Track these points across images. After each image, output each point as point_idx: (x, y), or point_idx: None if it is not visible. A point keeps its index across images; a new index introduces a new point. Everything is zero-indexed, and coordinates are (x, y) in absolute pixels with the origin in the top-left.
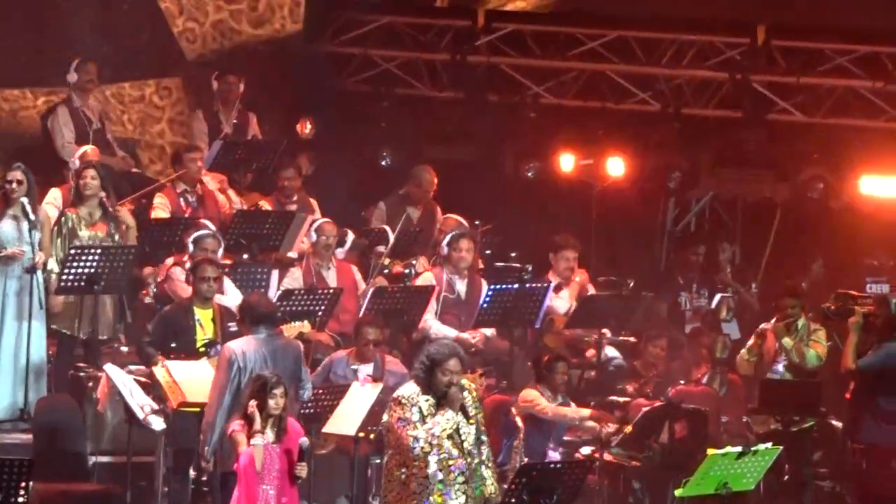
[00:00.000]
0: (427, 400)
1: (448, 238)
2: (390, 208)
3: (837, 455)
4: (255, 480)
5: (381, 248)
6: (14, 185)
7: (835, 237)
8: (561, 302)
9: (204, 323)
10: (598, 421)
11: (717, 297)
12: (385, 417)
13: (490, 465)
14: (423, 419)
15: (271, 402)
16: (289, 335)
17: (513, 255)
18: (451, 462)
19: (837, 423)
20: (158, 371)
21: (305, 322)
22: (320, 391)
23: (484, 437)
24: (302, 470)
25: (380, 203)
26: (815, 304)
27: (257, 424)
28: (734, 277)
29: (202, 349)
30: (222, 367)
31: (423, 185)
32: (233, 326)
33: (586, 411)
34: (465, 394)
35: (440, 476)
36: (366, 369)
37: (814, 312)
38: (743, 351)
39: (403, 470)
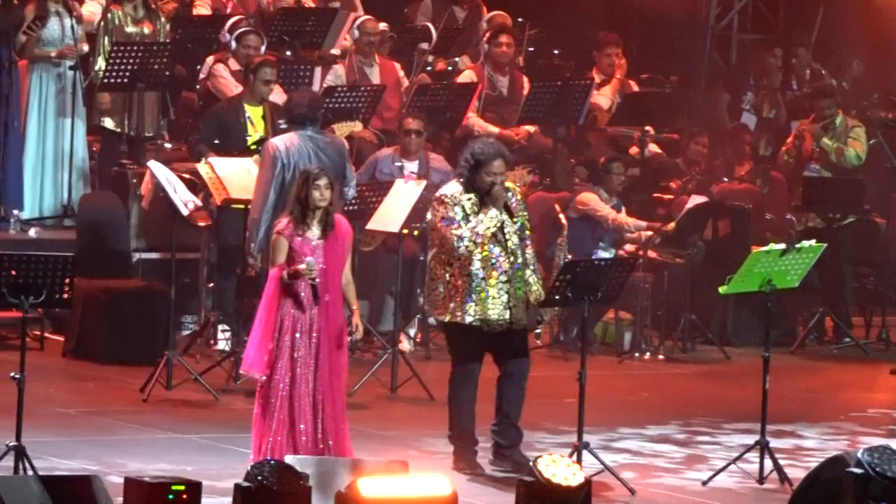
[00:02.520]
0: (470, 199)
1: (488, 34)
2: (435, 4)
3: (880, 253)
4: (275, 303)
5: (425, 45)
6: None
7: (877, 35)
8: (603, 99)
9: (255, 120)
10: (657, 232)
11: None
12: (429, 216)
13: (534, 266)
14: (466, 218)
15: (316, 194)
16: (340, 134)
17: (556, 52)
18: (494, 261)
19: (881, 221)
20: (202, 168)
21: (357, 121)
22: (364, 188)
23: (528, 239)
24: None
25: None
26: (856, 102)
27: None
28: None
29: (253, 146)
30: (266, 163)
31: None
32: (283, 123)
33: (644, 223)
34: (510, 194)
35: (482, 274)
36: (411, 166)
37: (856, 111)
38: (782, 150)
39: (448, 268)
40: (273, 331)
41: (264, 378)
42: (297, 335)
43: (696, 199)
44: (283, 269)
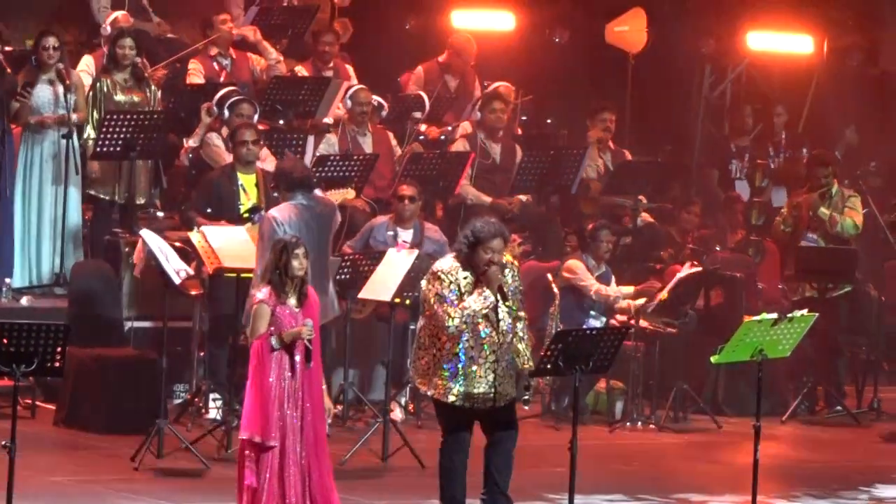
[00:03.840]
0: (466, 277)
1: (481, 101)
2: (427, 73)
3: (873, 322)
4: (266, 371)
5: (417, 115)
6: (50, 50)
7: (870, 104)
8: (591, 169)
9: (247, 188)
10: (644, 295)
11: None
12: (423, 285)
13: (525, 336)
14: (460, 296)
15: (295, 264)
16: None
17: (548, 121)
18: (483, 341)
19: (873, 292)
20: (194, 236)
21: (350, 189)
22: (358, 257)
23: (522, 314)
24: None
25: (418, 68)
26: (850, 171)
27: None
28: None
29: (246, 215)
30: (266, 234)
31: (463, 55)
32: (276, 192)
33: (629, 289)
34: (507, 271)
35: (471, 353)
36: (405, 234)
37: (848, 180)
38: (777, 219)
39: (436, 341)
40: (268, 399)
41: (273, 444)
42: (286, 406)
43: (688, 269)
44: (268, 337)
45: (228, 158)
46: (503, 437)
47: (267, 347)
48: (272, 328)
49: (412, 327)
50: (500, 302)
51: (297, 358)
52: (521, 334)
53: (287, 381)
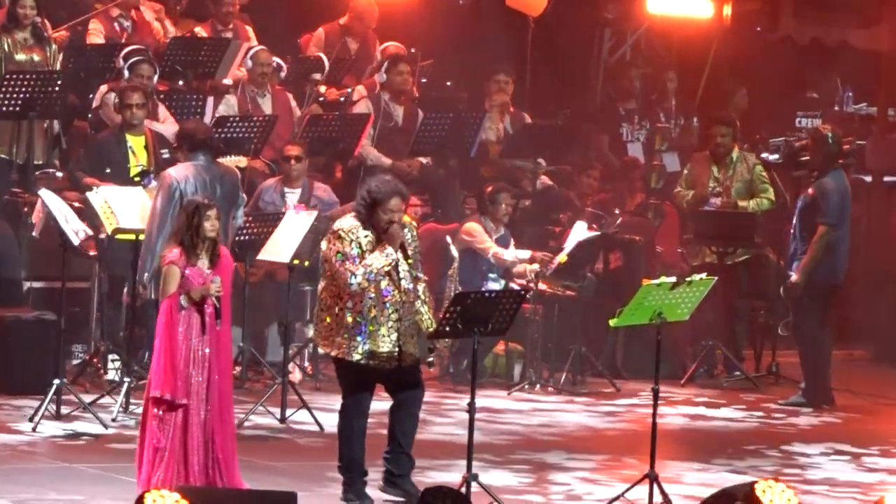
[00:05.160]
0: (367, 236)
1: (387, 63)
2: (327, 35)
3: (772, 287)
4: (175, 330)
5: (317, 76)
6: None
7: (767, 69)
8: (491, 132)
9: (136, 150)
10: (540, 263)
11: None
12: (323, 247)
13: (426, 299)
14: (362, 255)
15: (207, 225)
16: None
17: (448, 84)
18: (386, 299)
19: (773, 256)
20: (94, 197)
21: (241, 157)
22: (249, 219)
23: (421, 275)
24: None
25: (318, 29)
26: (746, 135)
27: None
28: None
29: (136, 178)
30: (163, 193)
31: (365, 18)
32: (165, 154)
33: (526, 253)
34: (406, 231)
35: (374, 312)
36: (292, 194)
37: (748, 144)
38: (679, 183)
39: (338, 301)
40: (177, 358)
41: (183, 401)
42: (191, 366)
43: (579, 228)
44: (178, 297)
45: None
46: (409, 398)
47: (176, 307)
48: (181, 289)
49: (305, 288)
50: (402, 259)
51: (206, 317)
52: (422, 296)
53: (195, 341)
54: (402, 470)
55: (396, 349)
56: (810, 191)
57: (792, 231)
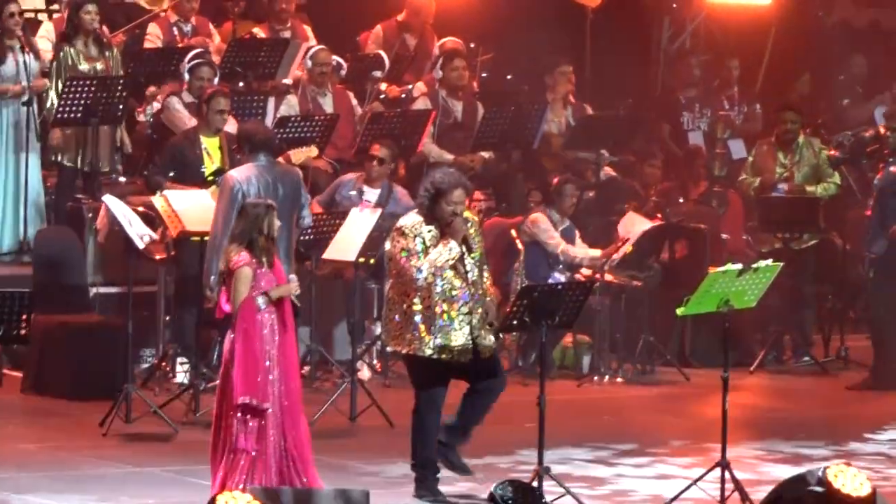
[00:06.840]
0: (430, 230)
1: (441, 59)
2: (386, 32)
3: (839, 272)
4: (255, 334)
5: (377, 73)
6: (16, 17)
7: (827, 53)
8: (554, 124)
9: (211, 151)
10: (608, 259)
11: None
12: (387, 246)
13: (491, 294)
14: (426, 250)
15: (276, 226)
16: (296, 161)
17: (508, 77)
18: (454, 292)
19: (838, 241)
20: (157, 201)
21: (313, 147)
22: (322, 216)
23: (486, 269)
24: None
25: (376, 27)
26: (806, 120)
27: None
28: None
29: (210, 178)
30: (226, 195)
31: (422, 14)
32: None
33: (596, 252)
34: (469, 225)
35: (444, 307)
36: (371, 193)
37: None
38: (743, 169)
39: (405, 298)
40: (262, 363)
41: (268, 407)
42: (271, 369)
43: (631, 219)
44: (254, 299)
45: (190, 122)
46: (485, 387)
47: (255, 309)
48: (254, 291)
49: (371, 286)
50: (466, 253)
51: (285, 316)
52: (486, 288)
53: (270, 347)
54: (451, 440)
55: (470, 342)
56: (892, 169)
57: (871, 212)
